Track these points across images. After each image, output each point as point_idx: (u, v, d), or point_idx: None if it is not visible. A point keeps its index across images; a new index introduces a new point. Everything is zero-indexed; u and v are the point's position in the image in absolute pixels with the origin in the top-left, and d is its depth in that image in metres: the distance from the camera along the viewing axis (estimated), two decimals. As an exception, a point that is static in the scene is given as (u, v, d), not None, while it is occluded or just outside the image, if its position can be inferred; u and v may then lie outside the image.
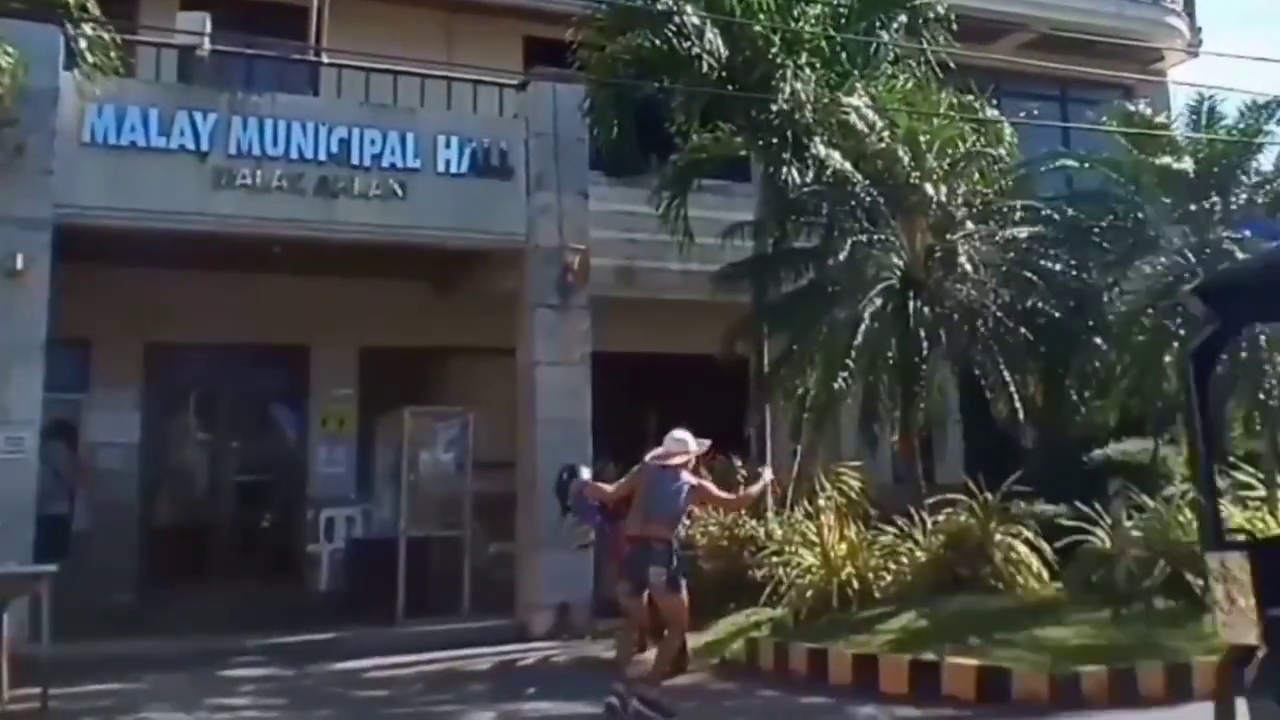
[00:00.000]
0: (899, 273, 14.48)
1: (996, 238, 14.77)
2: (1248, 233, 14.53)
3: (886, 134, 14.56)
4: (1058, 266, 14.59)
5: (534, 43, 18.55)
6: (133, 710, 10.60)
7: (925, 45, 16.05)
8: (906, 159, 14.30)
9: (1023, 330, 14.17)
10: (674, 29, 14.70)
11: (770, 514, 14.45)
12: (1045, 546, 13.03)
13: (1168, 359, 14.00)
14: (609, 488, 11.10)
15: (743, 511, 14.43)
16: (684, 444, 10.40)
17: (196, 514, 18.33)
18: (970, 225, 14.75)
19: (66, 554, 13.24)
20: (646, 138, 15.67)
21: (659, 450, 10.49)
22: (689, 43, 14.66)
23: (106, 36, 12.30)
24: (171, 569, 17.06)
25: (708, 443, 10.82)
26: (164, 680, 11.69)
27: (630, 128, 15.32)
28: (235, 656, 12.78)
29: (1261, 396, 13.92)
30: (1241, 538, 9.62)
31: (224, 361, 17.47)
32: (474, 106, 15.50)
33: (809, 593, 12.38)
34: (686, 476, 10.30)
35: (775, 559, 13.20)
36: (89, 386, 16.66)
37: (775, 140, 14.98)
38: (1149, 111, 15.65)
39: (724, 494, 11.30)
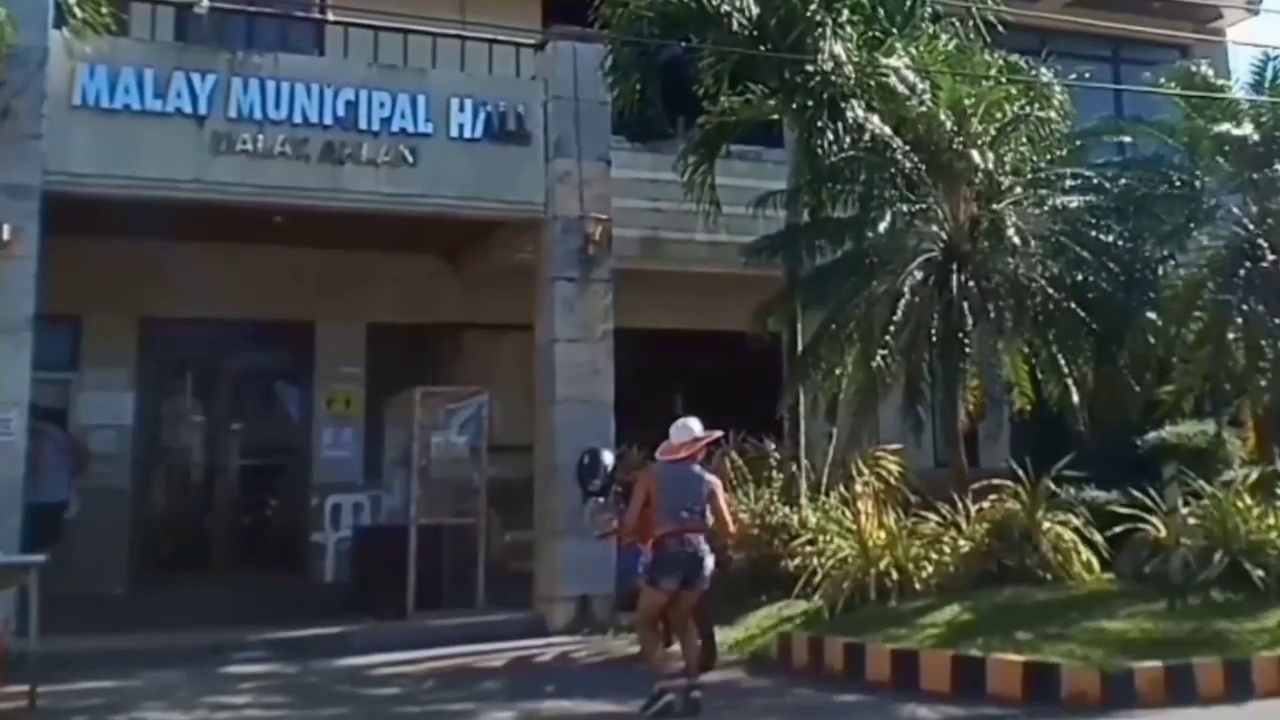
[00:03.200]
0: (941, 244, 14.42)
1: (1045, 207, 14.69)
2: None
3: (928, 97, 14.49)
4: (1110, 238, 14.51)
5: (552, -1, 18.48)
6: (126, 709, 10.54)
7: (969, 2, 15.93)
8: (950, 124, 14.24)
9: (1073, 305, 14.07)
10: (702, -17, 14.62)
11: (804, 500, 14.39)
12: (1096, 535, 12.98)
13: (1231, 335, 13.90)
14: (629, 515, 10.77)
15: (774, 498, 14.45)
16: (690, 432, 10.43)
17: (194, 500, 18.36)
18: (1018, 193, 14.65)
19: (57, 543, 13.27)
20: (672, 101, 15.62)
21: (666, 444, 10.47)
22: (718, -1, 14.61)
23: (98, -10, 12.24)
24: (167, 559, 17.13)
25: (718, 432, 10.95)
26: (159, 677, 11.66)
27: (655, 90, 15.26)
28: (235, 652, 12.75)
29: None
30: None
31: (223, 338, 17.46)
32: (489, 68, 15.37)
33: (845, 584, 12.33)
34: (699, 469, 10.45)
35: (809, 548, 13.19)
36: (80, 365, 16.64)
37: (810, 103, 14.83)
38: (1210, 72, 15.50)
39: (725, 508, 10.79)
